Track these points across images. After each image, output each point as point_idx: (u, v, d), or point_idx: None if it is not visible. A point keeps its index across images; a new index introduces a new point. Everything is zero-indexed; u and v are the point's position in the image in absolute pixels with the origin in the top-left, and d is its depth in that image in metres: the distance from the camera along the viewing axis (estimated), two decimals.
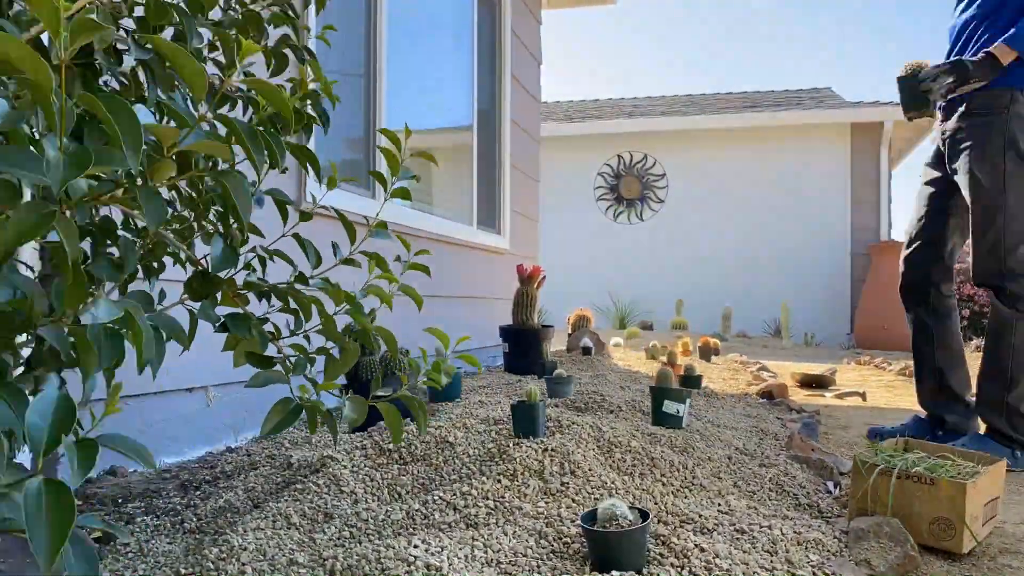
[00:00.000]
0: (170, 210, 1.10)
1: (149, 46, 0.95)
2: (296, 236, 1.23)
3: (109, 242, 0.96)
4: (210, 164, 1.01)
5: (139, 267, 1.08)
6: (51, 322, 0.75)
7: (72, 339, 0.77)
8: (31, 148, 0.68)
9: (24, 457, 1.13)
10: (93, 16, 0.72)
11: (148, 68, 0.99)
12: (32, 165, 0.65)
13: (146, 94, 1.01)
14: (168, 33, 1.15)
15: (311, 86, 1.25)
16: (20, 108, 0.73)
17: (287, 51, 1.30)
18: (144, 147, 0.73)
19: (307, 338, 1.20)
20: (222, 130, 0.92)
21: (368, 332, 1.16)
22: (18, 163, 0.65)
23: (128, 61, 1.01)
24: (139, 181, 0.81)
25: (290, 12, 1.26)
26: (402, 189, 1.32)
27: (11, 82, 0.76)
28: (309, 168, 1.18)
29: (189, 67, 0.78)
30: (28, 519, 0.61)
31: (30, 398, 0.68)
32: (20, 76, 0.66)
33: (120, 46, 1.00)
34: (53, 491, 0.63)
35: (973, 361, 2.70)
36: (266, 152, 0.91)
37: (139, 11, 1.03)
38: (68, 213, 0.73)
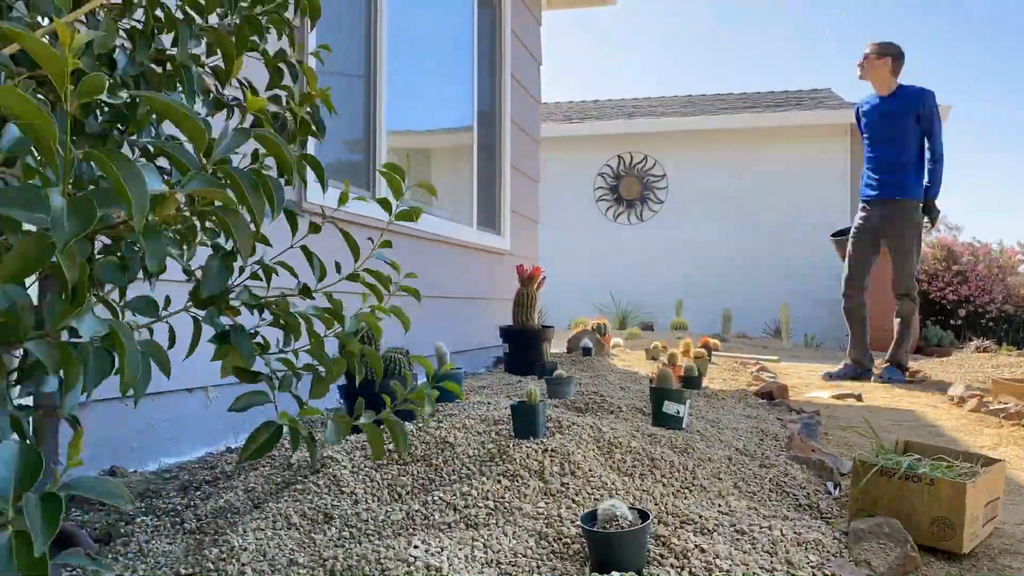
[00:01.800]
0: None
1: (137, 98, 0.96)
2: (304, 249, 1.26)
3: (111, 243, 0.96)
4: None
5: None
6: (39, 336, 0.75)
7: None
8: (36, 189, 0.67)
9: None
10: (101, 72, 0.71)
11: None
12: (38, 208, 0.64)
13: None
14: (167, 39, 1.16)
15: (302, 109, 1.27)
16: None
17: (282, 66, 1.33)
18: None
19: (295, 354, 1.23)
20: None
21: (354, 356, 1.20)
22: (24, 205, 0.64)
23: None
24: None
25: (286, 24, 1.27)
26: (399, 187, 1.34)
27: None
28: (309, 174, 1.20)
29: (188, 124, 0.79)
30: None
31: None
32: (25, 123, 0.66)
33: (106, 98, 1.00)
34: (24, 543, 0.60)
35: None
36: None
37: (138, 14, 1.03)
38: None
